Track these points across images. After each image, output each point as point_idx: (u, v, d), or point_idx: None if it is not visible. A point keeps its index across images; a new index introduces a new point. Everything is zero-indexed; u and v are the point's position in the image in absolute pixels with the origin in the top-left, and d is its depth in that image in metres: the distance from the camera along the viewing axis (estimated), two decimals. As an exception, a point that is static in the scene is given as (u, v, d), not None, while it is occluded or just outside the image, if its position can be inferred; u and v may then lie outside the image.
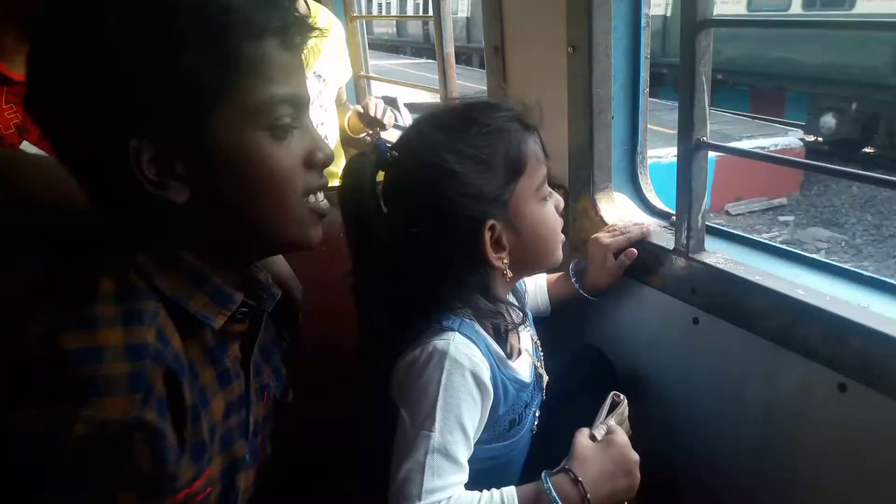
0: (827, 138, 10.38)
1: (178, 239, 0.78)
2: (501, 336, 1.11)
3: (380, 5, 21.85)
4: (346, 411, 1.51)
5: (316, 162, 0.81)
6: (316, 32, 0.81)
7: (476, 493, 0.98)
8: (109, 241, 0.78)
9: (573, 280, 1.41)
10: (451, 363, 0.99)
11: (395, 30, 24.38)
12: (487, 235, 1.03)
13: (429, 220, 1.01)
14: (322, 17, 2.20)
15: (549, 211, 1.10)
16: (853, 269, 1.16)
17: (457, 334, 1.01)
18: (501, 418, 1.09)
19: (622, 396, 1.08)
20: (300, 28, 0.77)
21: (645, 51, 1.42)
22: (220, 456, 0.84)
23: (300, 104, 0.79)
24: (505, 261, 1.06)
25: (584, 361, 1.42)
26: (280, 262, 1.13)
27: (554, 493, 0.96)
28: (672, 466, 1.34)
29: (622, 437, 1.03)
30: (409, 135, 1.10)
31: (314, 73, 2.12)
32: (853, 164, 9.02)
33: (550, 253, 1.12)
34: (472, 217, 1.02)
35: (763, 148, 8.12)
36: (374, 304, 1.10)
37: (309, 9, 2.14)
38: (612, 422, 1.06)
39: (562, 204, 1.13)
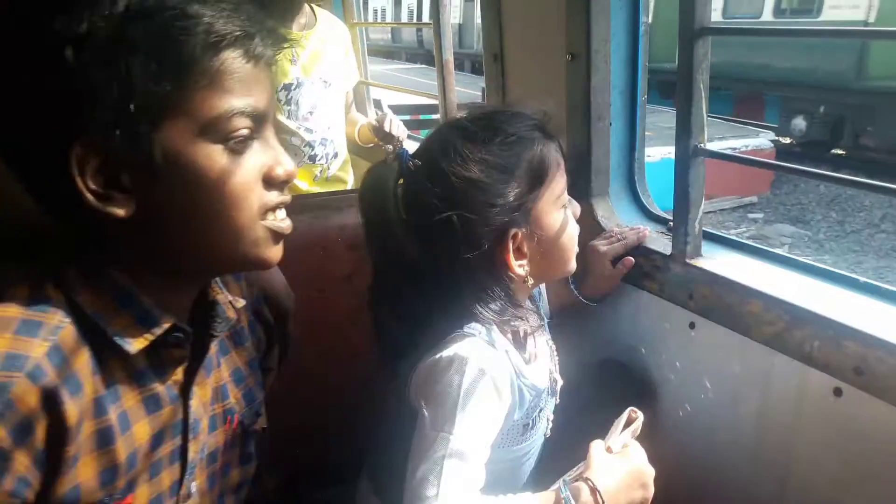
0: (798, 140, 10.84)
1: (115, 254, 0.75)
2: (520, 341, 1.13)
3: (375, 11, 21.96)
4: (344, 414, 1.52)
5: (275, 178, 0.77)
6: (287, 43, 0.78)
7: (492, 498, 0.97)
8: (49, 246, 0.75)
9: (571, 286, 1.42)
10: (473, 368, 0.99)
11: (389, 36, 24.56)
12: (510, 244, 1.04)
13: (453, 229, 1.00)
14: (327, 21, 2.20)
15: (568, 219, 1.11)
16: (849, 274, 1.17)
17: (478, 340, 1.02)
18: (516, 423, 1.10)
19: (639, 413, 1.07)
20: (266, 38, 0.74)
21: (643, 58, 1.44)
22: (147, 485, 0.80)
23: (261, 117, 0.75)
24: (526, 268, 1.06)
25: (603, 374, 1.45)
26: (271, 273, 1.10)
27: (573, 503, 0.95)
28: (668, 471, 1.34)
29: (639, 450, 1.03)
30: (431, 144, 1.08)
31: (320, 78, 2.13)
32: (823, 165, 9.63)
33: (568, 260, 1.13)
34: (496, 226, 1.02)
35: (734, 149, 8.27)
36: (392, 308, 1.11)
37: (315, 15, 2.15)
38: (627, 436, 1.05)
39: (579, 211, 1.14)
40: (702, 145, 1.20)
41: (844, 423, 1.05)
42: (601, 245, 1.40)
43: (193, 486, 0.86)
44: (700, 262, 1.27)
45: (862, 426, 1.03)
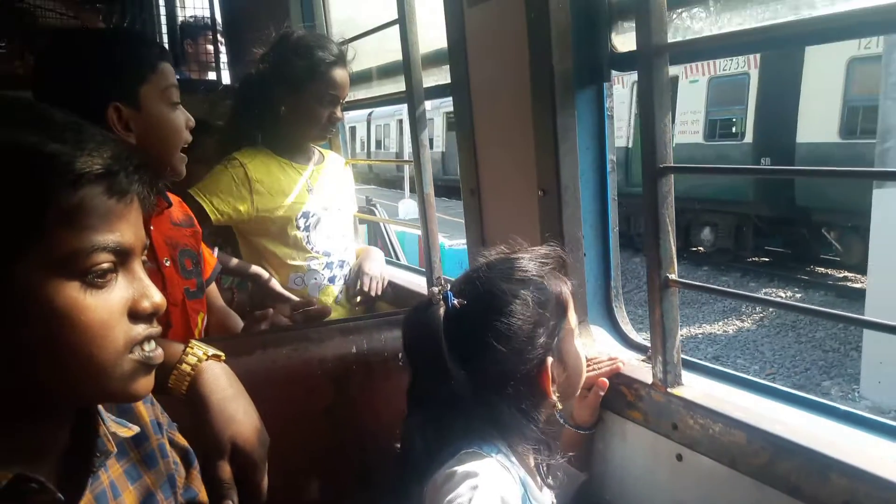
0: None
1: None
2: (534, 467, 1.20)
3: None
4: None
5: (142, 311, 0.75)
6: (154, 176, 0.77)
7: None
8: None
9: (559, 417, 1.42)
10: (485, 489, 1.05)
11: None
12: (548, 371, 1.16)
13: (501, 360, 1.14)
14: (333, 158, 2.35)
15: (581, 346, 1.27)
16: (830, 403, 1.17)
17: (494, 462, 1.10)
18: None
19: None
20: (131, 173, 0.73)
21: (612, 192, 1.50)
22: None
23: (126, 251, 0.73)
24: (556, 393, 1.19)
25: None
26: (242, 420, 1.08)
27: None
28: None
29: None
30: (473, 286, 1.21)
31: (334, 206, 2.24)
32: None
33: (580, 384, 1.27)
34: (538, 355, 1.16)
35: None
36: (426, 431, 1.18)
37: (322, 154, 2.29)
38: None
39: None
40: (672, 276, 1.23)
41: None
42: None
43: None
44: (681, 391, 1.26)
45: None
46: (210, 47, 3.68)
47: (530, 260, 1.23)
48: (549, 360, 1.17)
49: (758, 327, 8.95)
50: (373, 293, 2.20)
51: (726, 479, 1.16)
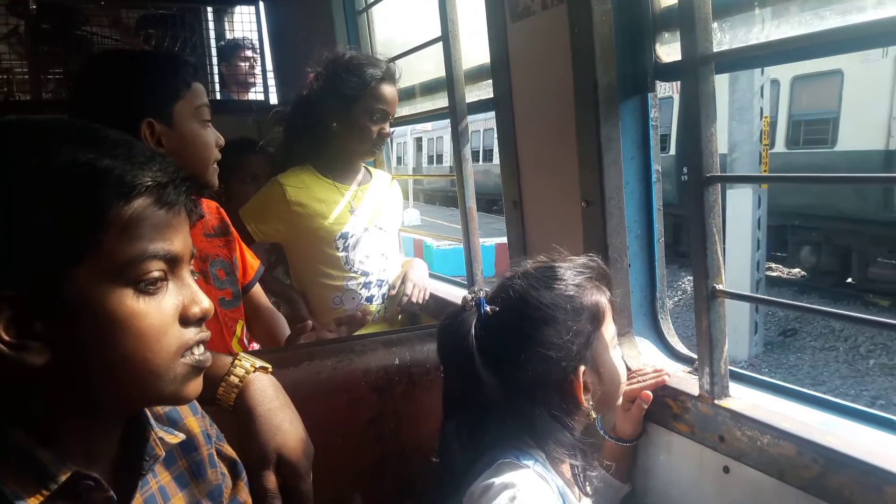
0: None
1: (20, 407, 0.73)
2: (571, 478, 1.20)
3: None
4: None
5: (192, 317, 0.78)
6: (202, 189, 0.80)
7: None
8: None
9: (600, 429, 1.41)
10: (523, 497, 1.05)
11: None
12: (580, 379, 1.17)
13: (532, 367, 1.14)
14: (380, 177, 2.38)
15: (619, 357, 1.26)
16: (884, 414, 1.14)
17: (532, 472, 1.10)
18: None
19: None
20: (179, 185, 0.76)
21: (658, 203, 1.50)
22: None
23: (175, 259, 0.76)
24: (590, 402, 1.19)
25: None
26: (287, 430, 1.10)
27: None
28: None
29: None
30: (506, 292, 1.22)
31: (376, 226, 2.25)
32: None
33: (619, 396, 1.27)
34: (570, 363, 1.16)
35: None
36: (461, 439, 1.19)
37: (370, 173, 2.32)
38: None
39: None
40: (719, 286, 1.22)
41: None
42: None
43: None
44: (728, 403, 1.25)
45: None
46: (243, 65, 3.76)
47: (567, 269, 1.23)
48: (582, 368, 1.17)
49: (680, 308, 10.18)
50: (415, 299, 2.20)
51: (775, 492, 1.14)
